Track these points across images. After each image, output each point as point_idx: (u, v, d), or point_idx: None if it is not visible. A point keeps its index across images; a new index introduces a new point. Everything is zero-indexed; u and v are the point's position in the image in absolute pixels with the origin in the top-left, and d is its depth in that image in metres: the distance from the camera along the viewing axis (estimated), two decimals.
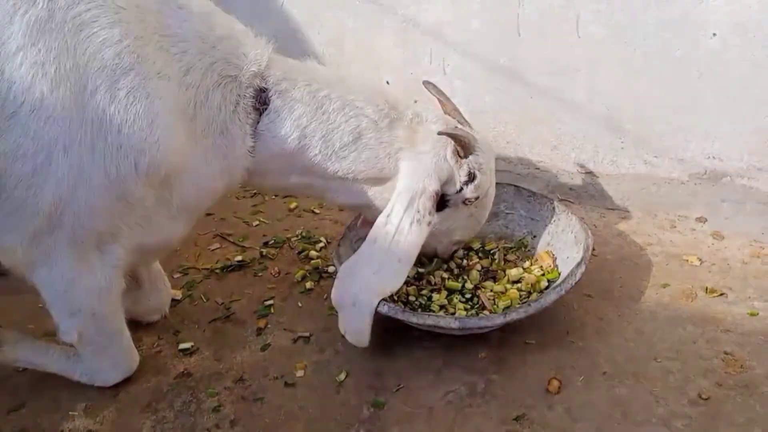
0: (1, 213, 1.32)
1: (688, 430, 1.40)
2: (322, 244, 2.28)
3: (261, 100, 1.50)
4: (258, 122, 1.52)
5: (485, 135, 1.87)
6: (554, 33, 2.27)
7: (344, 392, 1.61)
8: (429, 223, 1.64)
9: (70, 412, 1.60)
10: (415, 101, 2.64)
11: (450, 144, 1.68)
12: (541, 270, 1.89)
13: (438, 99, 1.89)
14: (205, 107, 1.44)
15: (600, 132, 2.35)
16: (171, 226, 1.53)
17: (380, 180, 1.69)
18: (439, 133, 1.66)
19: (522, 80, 2.40)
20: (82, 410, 1.61)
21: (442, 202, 1.72)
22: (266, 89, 1.50)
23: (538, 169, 2.53)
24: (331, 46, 2.75)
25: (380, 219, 1.64)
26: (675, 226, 2.22)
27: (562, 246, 1.90)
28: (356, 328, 1.63)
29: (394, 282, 1.63)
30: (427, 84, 1.92)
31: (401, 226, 1.61)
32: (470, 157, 1.69)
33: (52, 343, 1.66)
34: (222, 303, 1.99)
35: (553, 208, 1.99)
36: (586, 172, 2.44)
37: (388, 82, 2.71)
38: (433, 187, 1.64)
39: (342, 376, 1.66)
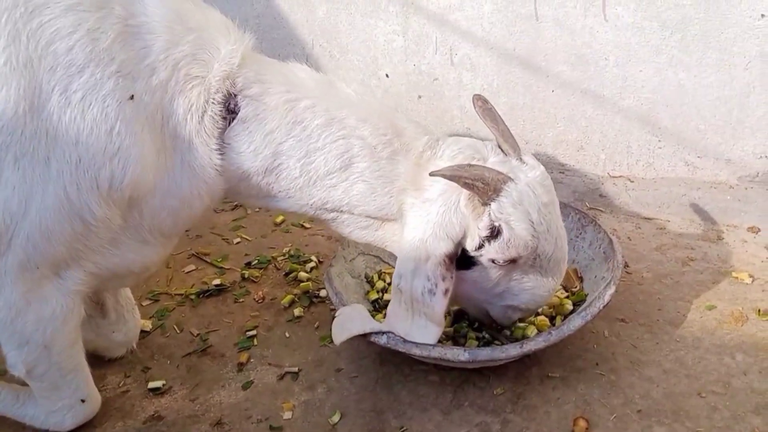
0: None
1: None
2: (312, 264, 2.31)
3: (230, 108, 1.49)
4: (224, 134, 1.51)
5: (541, 175, 1.60)
6: (577, 16, 2.31)
7: None
8: (445, 292, 1.56)
9: None
10: (419, 96, 2.71)
11: (462, 187, 1.53)
12: (565, 291, 1.91)
13: (483, 120, 1.70)
14: (172, 115, 1.44)
15: (633, 130, 2.38)
16: (143, 250, 1.55)
17: (383, 219, 1.66)
18: (431, 174, 1.53)
19: (541, 71, 2.44)
20: None
21: (467, 260, 1.61)
22: (234, 93, 1.49)
23: (563, 173, 2.56)
24: (322, 35, 2.79)
25: (394, 279, 1.62)
26: (722, 238, 2.24)
27: (590, 263, 1.92)
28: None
29: (429, 341, 1.60)
30: (476, 99, 1.71)
31: (414, 295, 1.57)
32: (493, 205, 1.52)
33: (1, 381, 1.69)
34: (198, 334, 2.02)
35: (578, 219, 2.01)
36: (618, 176, 2.47)
37: (387, 75, 2.75)
38: (440, 250, 1.55)
39: (336, 418, 1.67)
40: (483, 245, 1.55)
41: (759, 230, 2.24)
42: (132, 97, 1.37)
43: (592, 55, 2.34)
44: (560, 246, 1.61)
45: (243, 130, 1.50)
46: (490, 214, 1.52)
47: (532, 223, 1.52)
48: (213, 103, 1.46)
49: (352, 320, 1.69)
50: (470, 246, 1.57)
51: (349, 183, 1.57)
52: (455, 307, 1.88)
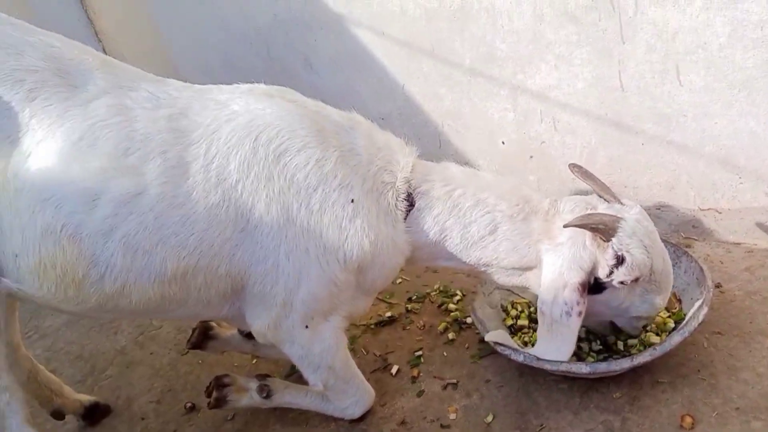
0: (249, 305, 1.71)
1: None
2: (459, 297, 2.48)
3: (410, 201, 1.77)
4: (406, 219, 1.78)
5: (640, 211, 1.76)
6: (656, 84, 2.36)
7: None
8: (579, 314, 1.68)
9: None
10: (531, 157, 2.84)
11: (588, 231, 1.69)
12: (667, 311, 1.96)
13: (583, 180, 1.87)
14: (379, 209, 1.73)
15: (716, 170, 2.37)
16: (367, 300, 1.88)
17: (525, 267, 1.82)
18: (564, 226, 1.72)
19: (631, 129, 2.50)
20: None
21: (598, 286, 1.74)
22: (411, 192, 1.77)
23: (659, 209, 2.58)
24: (449, 117, 3.00)
25: (538, 305, 1.78)
26: None
27: (686, 288, 1.96)
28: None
29: (563, 357, 1.73)
30: (572, 167, 1.91)
31: (554, 317, 1.71)
32: (613, 240, 1.68)
33: (306, 386, 1.99)
34: (379, 355, 2.26)
35: (674, 251, 2.04)
36: (707, 209, 2.46)
37: (503, 142, 2.90)
38: (574, 279, 1.68)
39: (489, 418, 1.84)
40: (612, 272, 1.70)
41: None
42: (352, 201, 1.66)
43: (673, 114, 2.37)
44: (667, 262, 1.76)
45: (419, 216, 1.77)
46: (613, 247, 1.67)
47: (646, 247, 1.68)
48: (400, 200, 1.75)
49: (501, 337, 1.88)
50: (602, 274, 1.71)
51: (497, 243, 1.78)
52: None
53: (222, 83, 1.82)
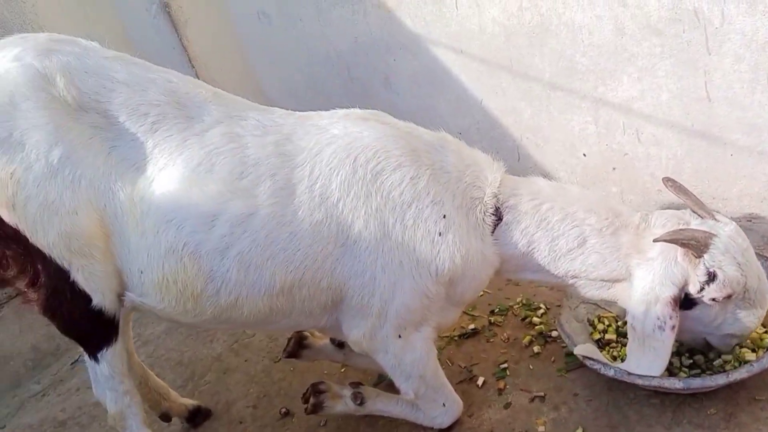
0: (347, 316, 1.84)
1: None
2: (542, 311, 2.50)
3: (498, 215, 1.85)
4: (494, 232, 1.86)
5: (735, 228, 1.76)
6: (745, 94, 2.33)
7: None
8: (672, 327, 1.71)
9: None
10: (614, 168, 2.85)
11: (679, 246, 1.71)
12: (764, 327, 1.93)
13: (677, 195, 1.88)
14: (468, 223, 1.81)
15: None
16: (456, 311, 1.98)
17: (614, 280, 1.86)
18: (654, 241, 1.74)
19: (718, 140, 2.47)
20: None
21: (689, 302, 1.75)
22: (499, 207, 1.84)
23: (750, 221, 2.53)
24: (528, 130, 3.05)
25: (628, 320, 1.81)
26: None
27: None
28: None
29: (655, 372, 1.74)
30: (666, 181, 1.91)
31: (646, 332, 1.73)
32: (706, 256, 1.68)
33: (397, 395, 2.08)
34: (464, 366, 2.32)
35: (766, 264, 1.99)
36: None
37: (584, 155, 2.92)
38: (666, 294, 1.70)
39: None
40: (703, 288, 1.71)
41: None
42: (444, 216, 1.75)
43: (764, 123, 2.32)
44: (762, 279, 1.75)
45: (507, 230, 1.84)
46: (704, 263, 1.69)
47: (739, 264, 1.68)
48: (489, 215, 1.83)
49: (589, 351, 1.91)
50: (693, 290, 1.73)
51: (585, 256, 1.82)
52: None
53: (305, 103, 1.98)
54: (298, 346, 2.32)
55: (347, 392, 2.08)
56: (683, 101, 2.50)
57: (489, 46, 2.92)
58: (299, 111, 1.94)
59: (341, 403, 2.08)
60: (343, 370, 2.52)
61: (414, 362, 1.90)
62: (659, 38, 2.44)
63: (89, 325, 1.80)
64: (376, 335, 1.85)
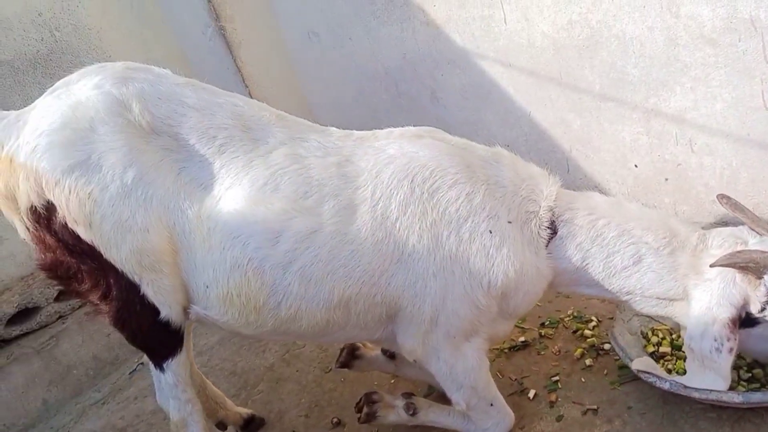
0: (401, 327, 1.90)
1: None
2: (594, 323, 2.50)
3: (552, 229, 1.88)
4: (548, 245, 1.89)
5: None
6: None
7: None
8: (730, 350, 1.71)
9: None
10: (666, 179, 2.83)
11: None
12: None
13: (733, 212, 1.88)
14: (523, 237, 1.86)
15: None
16: (508, 324, 2.02)
17: (671, 299, 1.86)
18: (711, 266, 1.73)
19: None
20: None
21: (752, 320, 1.75)
22: (554, 220, 1.88)
23: None
24: (578, 142, 3.06)
25: (686, 341, 1.81)
26: None
27: None
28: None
29: (720, 389, 1.74)
30: (721, 198, 1.92)
31: (703, 353, 1.73)
32: (765, 277, 1.68)
33: (449, 406, 2.11)
34: (515, 379, 2.34)
35: None
36: None
37: (636, 165, 2.92)
38: (724, 315, 1.71)
39: None
40: (765, 308, 1.70)
41: None
42: (499, 230, 1.80)
43: None
44: None
45: (561, 244, 1.87)
46: (765, 284, 1.69)
47: None
48: (544, 228, 1.86)
49: (647, 365, 1.91)
50: (754, 309, 1.73)
51: (641, 274, 1.83)
52: None
53: (353, 119, 2.06)
54: (350, 357, 2.39)
55: (400, 402, 2.13)
56: (739, 110, 2.48)
57: (538, 60, 2.97)
58: (346, 126, 2.03)
59: (394, 413, 2.13)
60: (393, 381, 2.57)
61: (466, 372, 1.94)
62: (713, 48, 2.44)
63: (157, 336, 1.90)
64: (428, 341, 1.90)
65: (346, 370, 2.46)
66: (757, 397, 1.70)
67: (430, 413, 2.12)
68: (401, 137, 1.93)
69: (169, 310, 1.84)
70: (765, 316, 1.71)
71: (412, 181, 1.80)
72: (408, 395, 2.15)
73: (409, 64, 3.48)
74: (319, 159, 1.84)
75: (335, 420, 2.43)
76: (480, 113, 3.36)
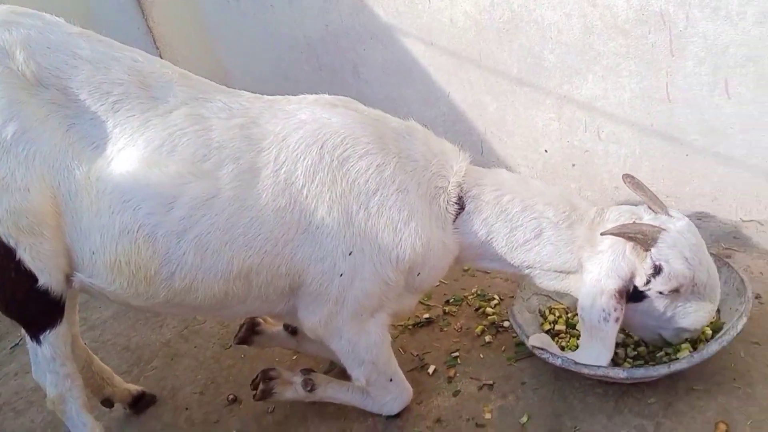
0: (303, 302, 1.85)
1: None
2: (496, 301, 2.56)
3: (460, 204, 1.89)
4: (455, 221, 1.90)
5: (687, 223, 1.81)
6: (704, 96, 2.41)
7: None
8: (617, 320, 1.77)
9: None
10: (573, 165, 2.91)
11: (626, 240, 1.77)
12: None
13: (634, 191, 1.94)
14: (431, 212, 1.85)
15: (760, 182, 2.41)
16: (413, 299, 2.02)
17: (568, 272, 1.92)
18: (602, 234, 1.81)
19: (676, 141, 2.55)
20: None
21: (638, 294, 1.81)
22: (462, 196, 1.89)
23: (701, 220, 2.62)
24: (493, 124, 3.10)
25: (578, 312, 1.86)
26: None
27: (726, 298, 2.00)
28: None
29: (602, 362, 1.80)
30: (625, 177, 1.98)
31: (592, 323, 1.79)
32: (653, 250, 1.74)
33: (348, 381, 2.10)
34: (416, 355, 2.36)
35: (715, 261, 2.03)
36: (749, 221, 2.49)
37: (546, 150, 2.99)
38: (612, 286, 1.77)
39: (524, 419, 1.92)
40: (649, 281, 1.77)
41: None
42: (408, 204, 1.79)
43: (720, 126, 2.41)
44: (712, 274, 1.82)
45: (468, 219, 1.89)
46: (651, 257, 1.74)
47: (686, 258, 1.74)
48: (452, 204, 1.87)
49: (543, 341, 1.96)
50: (639, 282, 1.79)
51: (540, 247, 1.88)
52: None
53: (272, 89, 1.98)
54: (250, 332, 2.33)
55: (298, 379, 2.09)
56: (645, 101, 2.58)
57: (459, 40, 2.97)
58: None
59: (291, 389, 2.09)
60: (294, 357, 2.53)
61: (368, 348, 1.93)
62: (625, 38, 2.52)
63: (33, 306, 1.76)
64: (332, 321, 1.87)
65: (245, 346, 2.40)
66: (640, 373, 1.78)
67: (329, 389, 2.09)
68: (315, 103, 1.88)
69: (48, 277, 1.71)
70: (650, 290, 1.77)
71: (321, 147, 1.75)
72: (306, 371, 2.12)
73: (332, 36, 3.40)
74: (222, 121, 1.75)
75: (231, 397, 2.37)
76: (401, 90, 3.34)
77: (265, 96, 1.91)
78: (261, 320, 2.34)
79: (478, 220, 1.89)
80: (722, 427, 1.68)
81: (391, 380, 2.01)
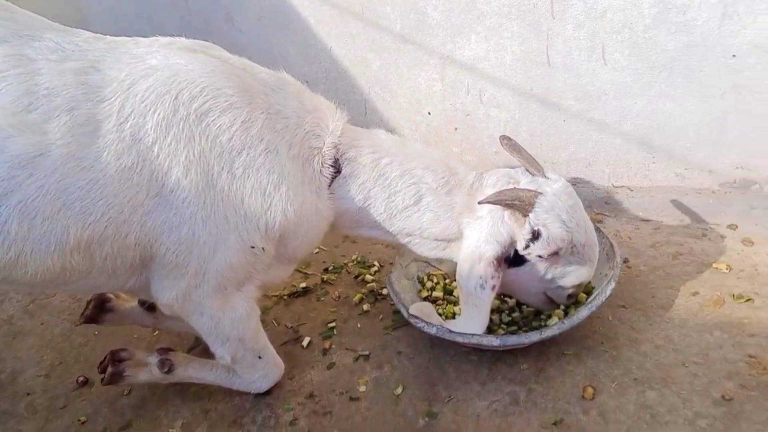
0: (157, 275, 1.63)
1: (711, 429, 1.54)
2: (375, 268, 2.49)
3: (336, 167, 1.75)
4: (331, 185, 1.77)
5: (563, 185, 1.81)
6: (582, 61, 2.43)
7: (401, 404, 1.83)
8: (493, 287, 1.74)
9: (170, 430, 1.89)
10: (455, 129, 2.87)
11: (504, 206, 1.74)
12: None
13: (510, 153, 1.91)
14: (304, 175, 1.70)
15: (632, 149, 2.49)
16: (285, 270, 1.88)
17: (448, 239, 1.85)
18: (479, 203, 1.77)
19: (554, 106, 2.57)
20: (180, 427, 1.89)
21: (518, 259, 1.79)
22: (338, 158, 1.75)
23: (575, 185, 2.63)
24: (377, 83, 2.98)
25: (457, 280, 1.81)
26: (706, 235, 2.33)
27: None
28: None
29: (477, 330, 1.77)
30: (502, 139, 1.94)
31: (469, 290, 1.75)
32: (530, 215, 1.71)
33: (212, 360, 1.92)
34: (291, 327, 2.24)
35: None
36: (620, 187, 2.58)
37: (429, 113, 2.92)
38: (489, 253, 1.73)
39: (399, 390, 1.87)
40: (529, 245, 1.74)
41: (736, 227, 2.32)
42: (278, 166, 1.62)
43: (595, 92, 2.45)
44: (590, 235, 1.82)
45: (344, 183, 1.77)
46: (529, 221, 1.72)
47: (564, 221, 1.73)
48: (327, 166, 1.74)
49: (423, 310, 1.92)
50: (519, 247, 1.76)
51: (420, 214, 1.80)
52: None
53: (133, 34, 1.71)
54: (99, 310, 2.07)
55: (153, 359, 1.90)
56: (525, 64, 2.56)
57: None
58: None
59: (146, 371, 1.90)
60: (156, 334, 2.32)
61: (233, 324, 1.77)
62: None
63: None
64: (191, 296, 1.68)
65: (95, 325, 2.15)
66: (513, 340, 1.78)
67: (190, 369, 1.92)
68: (168, 47, 1.62)
69: None
70: (530, 254, 1.76)
71: (176, 98, 1.52)
72: (164, 350, 1.93)
73: None
74: (53, 63, 1.47)
75: (82, 379, 2.13)
76: (278, 42, 3.12)
77: (108, 37, 1.64)
78: (112, 296, 2.10)
79: (355, 184, 1.78)
80: (589, 390, 1.71)
81: (260, 357, 1.88)
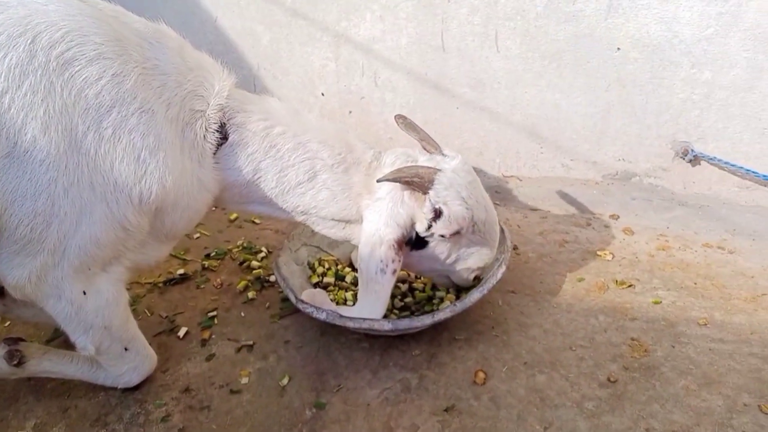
0: (6, 252, 1.38)
1: (597, 410, 1.57)
2: (263, 254, 2.36)
3: (222, 133, 1.58)
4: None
5: (461, 161, 1.78)
6: (475, 48, 2.44)
7: (287, 396, 1.71)
8: (394, 271, 1.67)
9: (19, 431, 1.65)
10: (350, 112, 2.79)
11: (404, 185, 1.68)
12: None
13: (406, 132, 1.87)
14: (185, 141, 1.52)
15: (521, 139, 2.54)
16: (161, 249, 1.67)
17: (347, 220, 1.76)
18: (378, 181, 1.69)
19: (448, 92, 2.56)
20: (32, 428, 1.66)
21: (421, 241, 1.74)
22: (224, 123, 1.58)
23: None
24: (266, 59, 2.83)
25: (358, 264, 1.72)
26: (590, 224, 2.42)
27: None
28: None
29: (376, 315, 1.69)
30: (397, 117, 1.89)
31: (369, 275, 1.67)
32: (430, 193, 1.66)
33: (72, 351, 1.70)
34: (166, 316, 2.05)
35: None
36: (510, 176, 2.62)
37: (323, 94, 2.82)
38: (390, 236, 1.66)
39: (285, 381, 1.75)
40: (431, 225, 1.70)
41: (618, 217, 2.44)
42: (154, 128, 1.43)
43: (488, 80, 2.47)
44: (490, 211, 1.80)
45: (231, 152, 1.61)
46: (429, 200, 1.67)
47: (464, 198, 1.69)
48: (212, 132, 1.57)
49: (314, 298, 1.81)
50: (421, 229, 1.71)
51: (315, 191, 1.69)
52: None
53: None
54: None
55: (0, 351, 1.65)
56: (421, 48, 2.53)
57: None
58: None
59: None
60: (7, 324, 2.04)
61: (98, 310, 1.55)
62: None
63: None
64: (47, 277, 1.46)
65: None
66: (404, 324, 1.72)
67: (45, 362, 1.69)
68: None
69: None
70: (432, 235, 1.71)
71: (33, 41, 1.30)
72: (13, 340, 1.68)
73: None
74: None
75: None
76: (158, 10, 2.87)
77: None
78: None
79: (243, 154, 1.62)
80: (481, 375, 1.70)
81: (127, 349, 1.68)
